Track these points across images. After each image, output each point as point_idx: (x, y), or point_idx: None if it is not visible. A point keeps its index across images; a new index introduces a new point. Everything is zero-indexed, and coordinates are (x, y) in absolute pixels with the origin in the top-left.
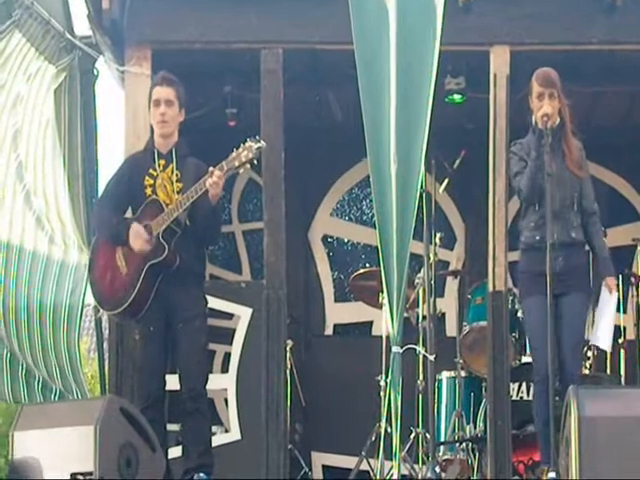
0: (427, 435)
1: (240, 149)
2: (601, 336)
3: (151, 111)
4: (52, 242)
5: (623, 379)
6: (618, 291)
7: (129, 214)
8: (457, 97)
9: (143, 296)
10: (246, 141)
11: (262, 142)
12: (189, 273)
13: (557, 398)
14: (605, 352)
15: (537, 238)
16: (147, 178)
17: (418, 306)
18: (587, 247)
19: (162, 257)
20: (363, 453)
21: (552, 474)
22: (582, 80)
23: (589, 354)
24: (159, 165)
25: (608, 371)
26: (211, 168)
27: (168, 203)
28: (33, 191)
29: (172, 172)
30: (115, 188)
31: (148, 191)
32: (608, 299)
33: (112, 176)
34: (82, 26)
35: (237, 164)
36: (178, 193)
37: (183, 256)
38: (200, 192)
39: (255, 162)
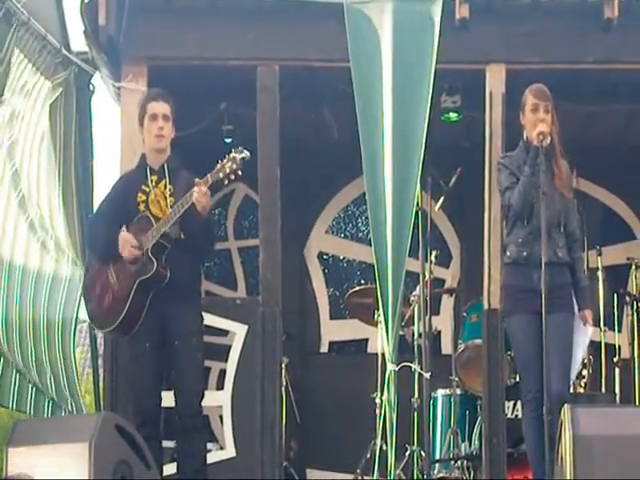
0: (422, 453)
1: (225, 160)
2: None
3: (145, 125)
4: (45, 250)
5: (618, 398)
6: (595, 322)
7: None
8: (453, 115)
9: (135, 312)
10: (231, 152)
11: (246, 152)
12: (184, 289)
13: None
14: (600, 371)
15: (524, 254)
16: (140, 194)
17: (413, 324)
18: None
19: (151, 273)
20: (358, 470)
21: None
22: (578, 98)
23: (584, 373)
24: (151, 181)
25: (603, 390)
26: (197, 180)
27: (161, 217)
28: (28, 199)
29: (165, 187)
30: (109, 207)
31: (141, 207)
32: (583, 331)
33: (106, 195)
34: (78, 42)
35: (222, 176)
36: (172, 207)
37: (177, 271)
38: (186, 206)
39: (240, 173)
